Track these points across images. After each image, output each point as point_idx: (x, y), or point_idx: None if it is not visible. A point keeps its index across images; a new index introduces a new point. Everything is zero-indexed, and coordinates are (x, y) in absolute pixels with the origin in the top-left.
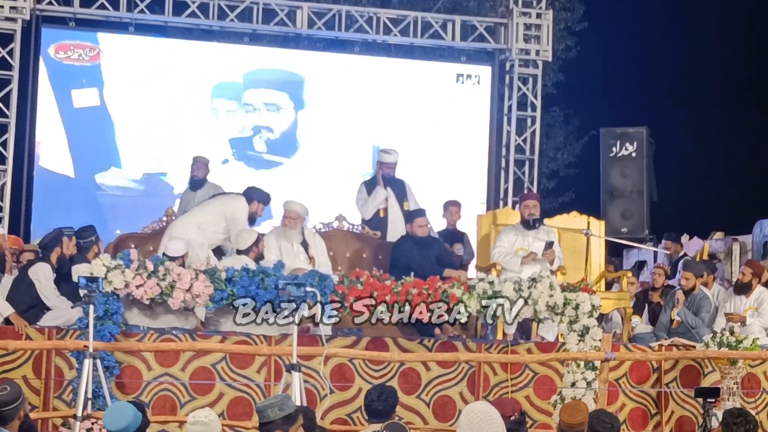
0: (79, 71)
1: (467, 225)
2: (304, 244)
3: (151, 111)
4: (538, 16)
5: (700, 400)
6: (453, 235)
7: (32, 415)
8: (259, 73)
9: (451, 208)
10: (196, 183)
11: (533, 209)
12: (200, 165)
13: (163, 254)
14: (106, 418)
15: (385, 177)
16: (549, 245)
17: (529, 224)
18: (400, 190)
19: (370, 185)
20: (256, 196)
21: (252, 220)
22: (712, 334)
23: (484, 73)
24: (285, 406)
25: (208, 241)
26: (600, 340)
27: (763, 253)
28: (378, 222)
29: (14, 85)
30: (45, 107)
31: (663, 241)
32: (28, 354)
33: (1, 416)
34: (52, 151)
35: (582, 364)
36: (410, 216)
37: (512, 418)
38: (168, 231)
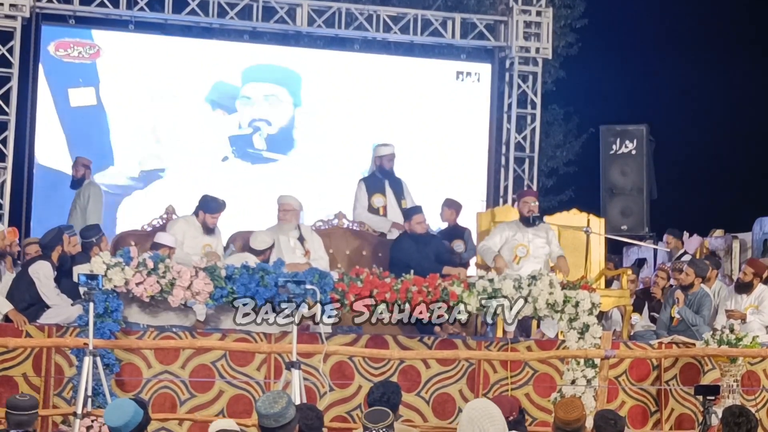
0: (77, 69)
1: (467, 223)
2: (301, 239)
3: (150, 108)
4: (538, 13)
5: (700, 397)
6: (453, 232)
7: None
8: (258, 68)
9: (445, 209)
10: (74, 182)
11: (532, 206)
12: (78, 166)
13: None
14: (107, 414)
15: (384, 170)
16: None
17: (528, 221)
18: (398, 188)
19: (368, 182)
20: (201, 207)
21: (206, 229)
22: (712, 332)
23: (484, 70)
24: (281, 418)
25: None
26: (600, 337)
27: (763, 250)
28: None
29: (14, 83)
30: (45, 105)
31: (665, 236)
32: (28, 351)
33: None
34: (52, 150)
35: (582, 361)
36: (408, 213)
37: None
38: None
